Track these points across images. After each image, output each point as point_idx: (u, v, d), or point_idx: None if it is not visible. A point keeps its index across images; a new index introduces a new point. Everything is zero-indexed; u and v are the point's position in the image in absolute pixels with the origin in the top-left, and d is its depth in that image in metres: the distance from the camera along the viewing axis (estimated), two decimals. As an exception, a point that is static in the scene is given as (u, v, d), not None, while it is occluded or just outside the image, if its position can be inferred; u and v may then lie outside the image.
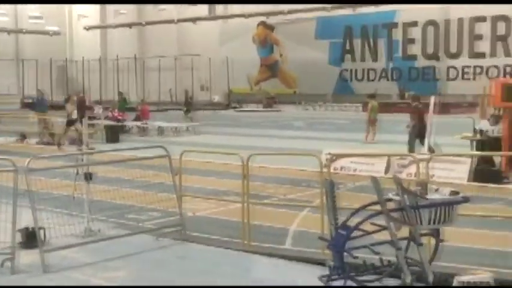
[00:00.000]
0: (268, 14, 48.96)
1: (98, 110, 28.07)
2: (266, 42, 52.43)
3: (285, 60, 51.08)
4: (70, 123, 21.67)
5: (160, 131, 26.95)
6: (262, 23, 51.54)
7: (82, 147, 11.69)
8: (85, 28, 58.38)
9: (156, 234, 8.72)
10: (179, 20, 52.28)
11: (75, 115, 21.55)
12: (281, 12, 47.45)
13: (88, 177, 8.65)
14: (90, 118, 25.58)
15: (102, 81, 55.76)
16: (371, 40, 46.74)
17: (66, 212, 9.18)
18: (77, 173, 8.79)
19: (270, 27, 51.79)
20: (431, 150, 15.90)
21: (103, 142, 22.72)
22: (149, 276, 7.14)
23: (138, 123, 27.79)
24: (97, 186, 9.36)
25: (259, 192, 11.65)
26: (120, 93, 35.42)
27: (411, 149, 16.30)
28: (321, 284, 5.90)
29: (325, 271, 6.00)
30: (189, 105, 31.59)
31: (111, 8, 57.04)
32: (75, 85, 52.36)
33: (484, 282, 5.13)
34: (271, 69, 52.39)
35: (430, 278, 5.69)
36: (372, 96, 24.79)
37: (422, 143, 16.57)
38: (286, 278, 6.96)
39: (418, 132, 16.58)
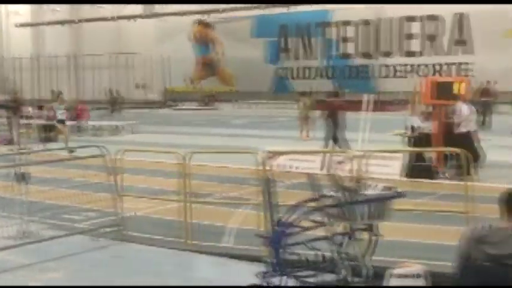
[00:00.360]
0: (205, 12, 48.80)
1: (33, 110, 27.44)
2: (204, 41, 52.22)
3: (223, 59, 51.05)
4: (61, 121, 21.60)
5: (97, 130, 26.51)
6: (200, 21, 51.32)
7: (14, 147, 11.46)
8: (16, 26, 56.67)
9: (94, 234, 8.62)
10: (115, 18, 51.49)
11: (60, 115, 21.51)
12: (218, 11, 47.41)
13: (22, 177, 8.47)
14: (23, 117, 25.11)
15: (35, 80, 54.32)
16: (306, 39, 47.28)
17: None
18: (15, 174, 8.60)
19: (208, 26, 51.62)
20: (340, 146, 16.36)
21: (36, 142, 22.16)
22: (87, 277, 7.07)
23: (74, 122, 27.23)
24: (32, 186, 9.16)
25: (200, 191, 11.65)
26: (52, 92, 34.61)
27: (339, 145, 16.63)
28: (258, 280, 5.97)
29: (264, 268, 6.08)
30: (114, 104, 31.01)
31: (45, 5, 55.55)
32: (7, 84, 50.74)
33: (415, 274, 5.32)
34: (209, 67, 52.22)
35: (366, 272, 5.85)
36: (304, 94, 25.26)
37: (335, 138, 17.01)
38: (227, 276, 7.02)
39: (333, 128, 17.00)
